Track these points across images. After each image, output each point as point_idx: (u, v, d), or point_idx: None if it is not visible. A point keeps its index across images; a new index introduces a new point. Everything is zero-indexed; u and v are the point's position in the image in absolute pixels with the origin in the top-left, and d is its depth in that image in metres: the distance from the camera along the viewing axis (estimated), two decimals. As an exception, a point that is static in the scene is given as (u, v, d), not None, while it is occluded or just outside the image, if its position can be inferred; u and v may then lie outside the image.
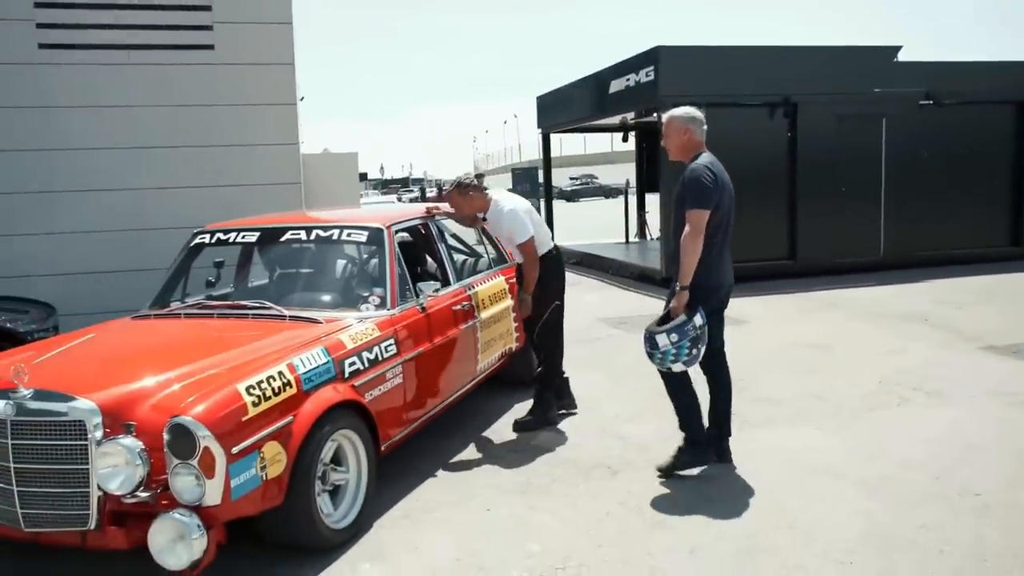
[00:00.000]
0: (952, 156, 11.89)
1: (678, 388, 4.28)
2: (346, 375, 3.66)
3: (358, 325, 3.96)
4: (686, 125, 4.30)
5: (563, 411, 5.43)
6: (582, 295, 10.81)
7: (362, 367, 3.78)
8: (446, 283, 4.98)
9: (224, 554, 3.04)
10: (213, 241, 4.69)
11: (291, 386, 3.31)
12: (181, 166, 8.90)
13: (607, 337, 7.97)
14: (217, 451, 2.85)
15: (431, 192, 70.58)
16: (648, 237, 16.76)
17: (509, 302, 5.63)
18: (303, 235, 4.53)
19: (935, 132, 11.76)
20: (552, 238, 5.31)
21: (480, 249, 6.03)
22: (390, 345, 4.05)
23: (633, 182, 17.63)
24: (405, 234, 4.97)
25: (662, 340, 4.03)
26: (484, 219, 5.17)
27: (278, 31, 9.55)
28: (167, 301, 4.63)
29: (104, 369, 3.47)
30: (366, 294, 4.28)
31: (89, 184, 8.38)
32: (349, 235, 4.46)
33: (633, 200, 17.14)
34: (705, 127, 4.36)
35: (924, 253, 11.90)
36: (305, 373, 3.41)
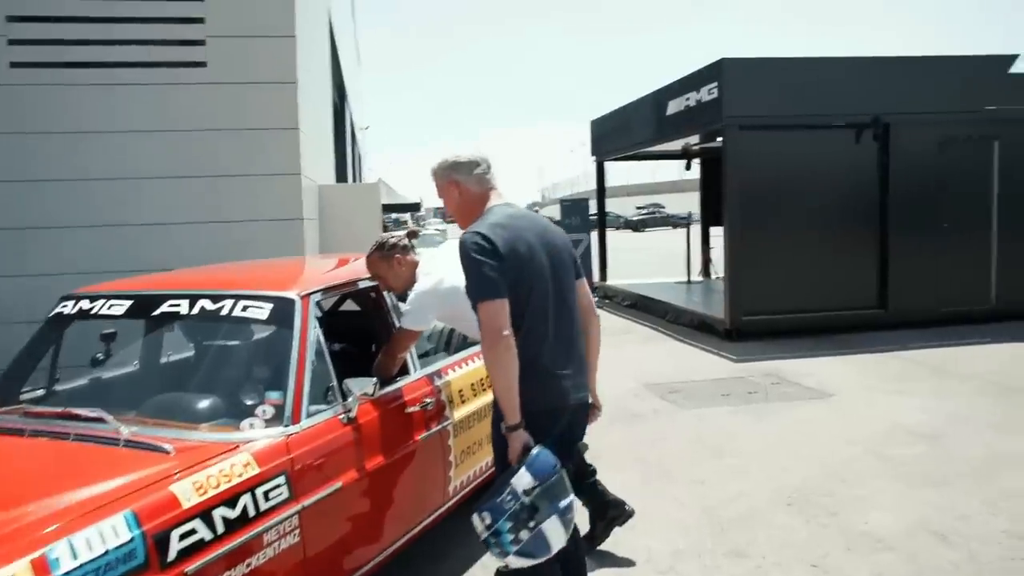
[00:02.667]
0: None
1: None
2: (170, 558, 2.22)
3: (226, 460, 2.53)
4: (449, 177, 2.86)
5: (619, 521, 3.91)
6: (627, 349, 9.22)
7: (210, 537, 2.34)
8: (403, 371, 3.53)
9: None
10: (75, 312, 3.35)
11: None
12: (172, 199, 7.78)
13: (651, 414, 6.37)
14: None
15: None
16: (712, 275, 15.04)
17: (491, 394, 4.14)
18: (183, 307, 3.13)
19: (1058, 157, 9.83)
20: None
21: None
22: (277, 488, 2.61)
23: (697, 214, 15.99)
24: (345, 300, 3.56)
25: (476, 524, 2.51)
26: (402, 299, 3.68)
27: (279, 46, 8.36)
28: (15, 394, 3.30)
29: None
30: (253, 402, 2.85)
31: (66, 220, 7.35)
32: (244, 309, 3.04)
33: (697, 233, 15.44)
34: (483, 169, 2.86)
35: (1045, 301, 9.93)
36: (69, 574, 1.98)
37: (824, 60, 9.96)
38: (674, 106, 10.88)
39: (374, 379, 3.08)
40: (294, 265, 4.49)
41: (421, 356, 3.71)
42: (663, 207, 57.24)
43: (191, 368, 3.21)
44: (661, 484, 4.76)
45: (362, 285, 3.55)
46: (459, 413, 3.73)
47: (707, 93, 9.69)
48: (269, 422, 2.77)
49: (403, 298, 3.53)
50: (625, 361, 8.19)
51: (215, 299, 3.11)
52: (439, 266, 3.45)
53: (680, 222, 51.49)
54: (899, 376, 7.35)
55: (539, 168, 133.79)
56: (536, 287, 2.67)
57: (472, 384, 3.92)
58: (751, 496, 4.49)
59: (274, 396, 2.84)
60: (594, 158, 15.45)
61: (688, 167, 14.97)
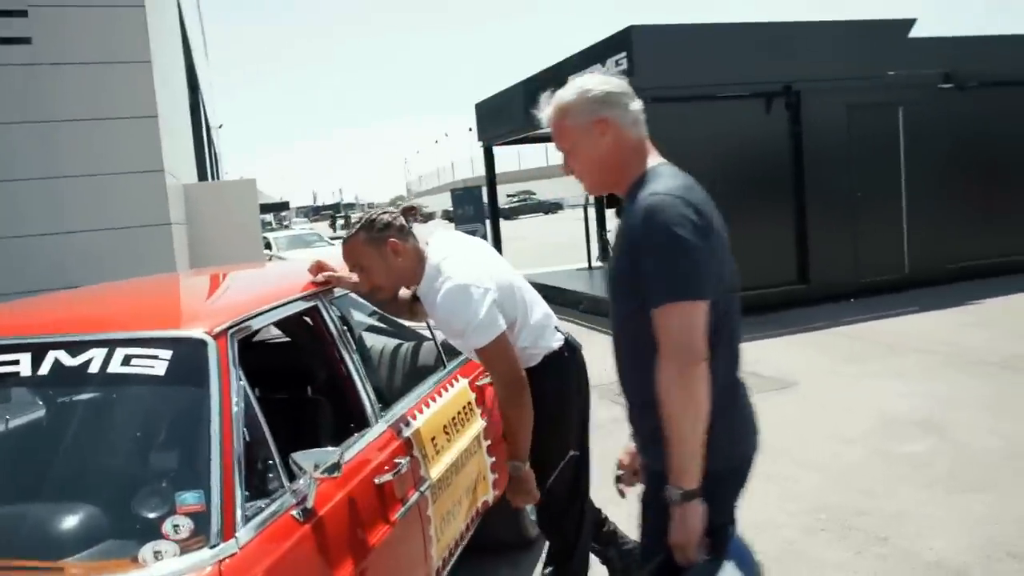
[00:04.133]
0: (981, 149, 9.92)
1: None
2: None
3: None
4: (597, 113, 1.93)
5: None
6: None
7: None
8: (360, 424, 2.53)
9: None
10: None
11: None
12: (9, 208, 6.37)
13: (609, 424, 5.56)
14: None
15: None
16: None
17: (478, 425, 3.21)
18: (22, 365, 2.00)
19: (959, 121, 9.76)
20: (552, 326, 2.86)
21: (418, 329, 3.57)
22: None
23: (568, 199, 15.45)
24: (274, 332, 2.53)
25: None
26: (415, 297, 2.75)
27: (127, 17, 7.02)
28: None
29: None
30: (159, 513, 1.79)
31: None
32: (126, 363, 1.96)
33: (593, 217, 14.83)
34: (640, 107, 2.01)
35: (954, 266, 9.89)
36: None
37: (736, 26, 9.49)
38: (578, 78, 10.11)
39: (335, 449, 2.07)
40: (188, 285, 3.22)
41: (381, 401, 2.70)
42: (534, 193, 57.12)
43: (44, 461, 2.07)
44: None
45: (296, 307, 2.49)
46: (436, 470, 2.76)
47: (614, 64, 8.99)
48: (186, 543, 1.73)
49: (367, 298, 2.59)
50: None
51: (76, 348, 2.00)
52: (454, 254, 2.56)
53: (552, 208, 51.98)
54: (853, 356, 6.89)
55: (403, 160, 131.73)
56: (723, 286, 1.81)
57: (444, 425, 2.96)
58: (772, 522, 3.75)
59: (190, 500, 1.79)
60: (480, 143, 14.55)
61: (579, 149, 14.33)
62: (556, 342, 2.76)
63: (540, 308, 2.80)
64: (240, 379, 2.03)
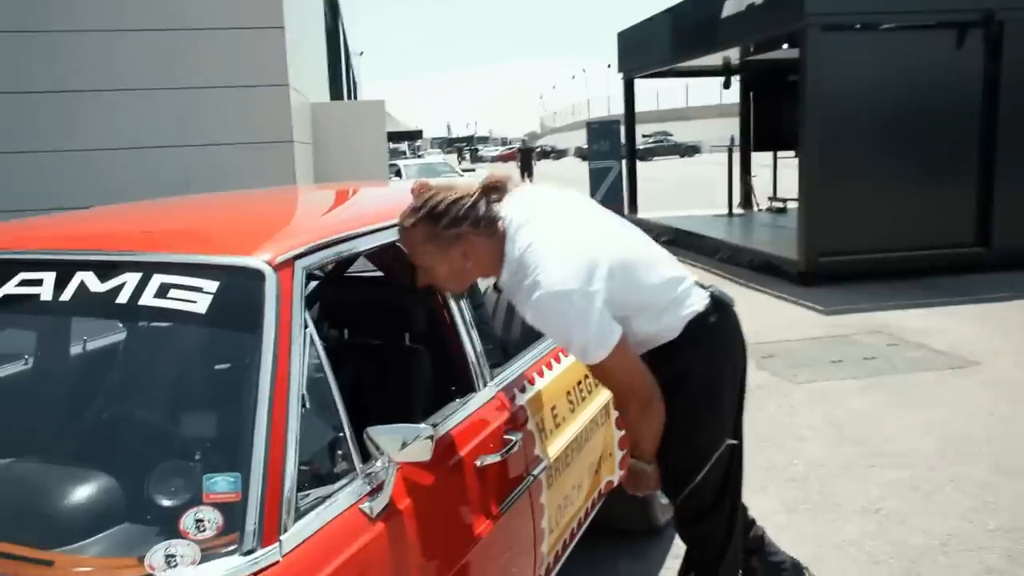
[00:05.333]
0: None
1: None
2: None
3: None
4: None
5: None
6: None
7: None
8: (464, 386, 2.01)
9: None
10: None
11: None
12: (133, 117, 6.21)
13: (756, 390, 4.88)
14: None
15: (493, 151, 67.11)
16: (755, 207, 13.45)
17: (606, 394, 2.65)
18: (44, 287, 1.58)
19: None
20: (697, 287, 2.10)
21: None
22: None
23: (707, 143, 14.32)
24: (359, 270, 2.03)
25: None
26: (498, 288, 2.11)
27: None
28: None
29: None
30: (179, 500, 1.34)
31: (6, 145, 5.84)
32: (163, 294, 1.49)
33: (737, 162, 13.74)
34: None
35: None
36: None
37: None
38: (732, 6, 9.11)
39: (423, 427, 1.55)
40: (269, 201, 2.64)
41: (492, 359, 2.16)
42: (671, 135, 55.09)
43: (48, 414, 1.64)
44: (827, 517, 3.29)
45: (391, 236, 1.96)
46: (554, 447, 2.22)
47: (782, -16, 7.95)
48: (212, 544, 1.27)
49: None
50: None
51: (107, 270, 1.56)
52: (542, 235, 1.85)
53: (688, 150, 49.99)
54: None
55: (539, 95, 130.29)
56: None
57: (568, 392, 2.41)
58: (966, 541, 3.04)
59: (222, 486, 1.32)
60: (621, 75, 13.64)
61: (727, 85, 13.23)
62: (699, 303, 2.04)
63: (664, 271, 2.04)
64: (307, 325, 1.53)
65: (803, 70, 7.88)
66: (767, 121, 12.50)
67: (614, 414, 2.68)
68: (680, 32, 11.18)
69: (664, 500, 3.06)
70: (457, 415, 1.88)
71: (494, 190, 1.89)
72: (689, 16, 10.74)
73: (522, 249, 1.83)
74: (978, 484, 3.50)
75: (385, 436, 1.50)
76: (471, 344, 2.06)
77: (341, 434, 1.54)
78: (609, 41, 13.69)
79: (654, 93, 68.45)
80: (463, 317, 2.08)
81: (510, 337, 2.57)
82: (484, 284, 2.79)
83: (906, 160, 8.07)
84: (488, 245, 1.85)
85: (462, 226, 1.80)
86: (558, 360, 2.42)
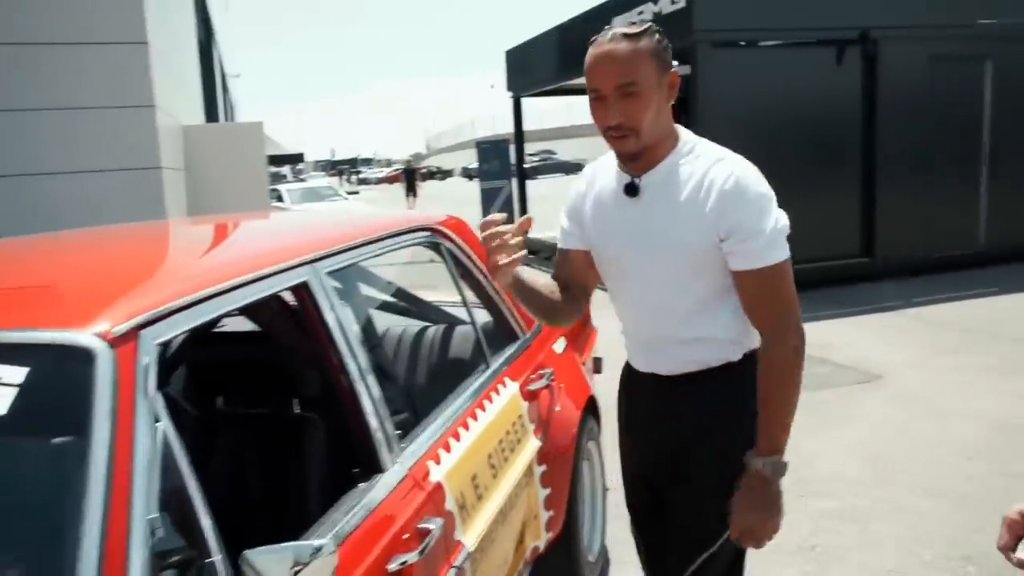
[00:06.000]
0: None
1: None
2: None
3: None
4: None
5: None
6: (594, 316, 7.51)
7: None
8: (369, 466, 1.65)
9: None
10: None
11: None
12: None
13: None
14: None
15: (377, 172, 66.26)
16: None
17: (532, 447, 2.33)
18: None
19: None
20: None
21: (450, 307, 2.67)
22: None
23: (589, 160, 14.45)
24: (244, 325, 1.66)
25: None
26: (635, 183, 1.67)
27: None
28: None
29: None
30: None
31: None
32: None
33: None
34: None
35: (1035, 242, 8.88)
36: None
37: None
38: (621, 23, 9.05)
39: (324, 541, 1.19)
40: (120, 243, 2.08)
41: (400, 425, 1.80)
42: (555, 153, 55.75)
43: None
44: (767, 559, 3.07)
45: (272, 285, 1.58)
46: (478, 525, 1.88)
47: (669, 2, 7.94)
48: None
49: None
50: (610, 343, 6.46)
51: None
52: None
53: (573, 168, 50.69)
54: (941, 345, 5.95)
55: (423, 116, 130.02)
56: None
57: (490, 455, 2.07)
58: None
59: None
60: (510, 93, 13.51)
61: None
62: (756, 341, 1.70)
63: None
64: (159, 419, 1.14)
65: (693, 86, 7.87)
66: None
67: (538, 470, 2.37)
68: (569, 50, 11.11)
69: (591, 557, 2.78)
70: (361, 507, 1.52)
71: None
72: (578, 34, 10.67)
73: (701, 142, 1.69)
74: (905, 509, 3.38)
75: (270, 559, 1.13)
76: (375, 410, 1.70)
77: (209, 560, 1.16)
78: (492, 61, 13.56)
79: (538, 112, 69.43)
80: (363, 377, 1.71)
81: (420, 393, 2.22)
82: (387, 328, 2.45)
83: (794, 173, 8.14)
84: (667, 105, 1.64)
85: (668, 54, 1.62)
86: (475, 417, 2.08)
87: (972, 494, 3.49)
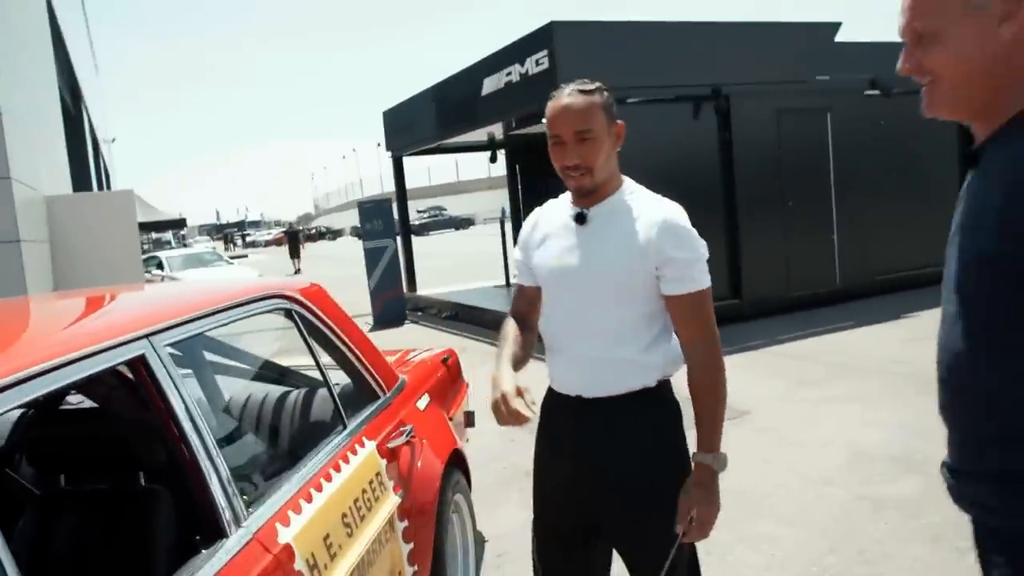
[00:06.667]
0: (905, 157, 9.66)
1: None
2: None
3: None
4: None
5: None
6: (473, 374, 7.58)
7: None
8: (211, 533, 1.66)
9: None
10: None
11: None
12: None
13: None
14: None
15: (266, 234, 64.90)
16: (531, 276, 13.82)
17: (391, 502, 2.38)
18: None
19: (885, 128, 9.48)
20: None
21: (312, 371, 2.70)
22: None
23: (481, 216, 14.77)
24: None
25: None
26: (584, 213, 1.97)
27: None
28: None
29: None
30: None
31: None
32: None
33: (510, 233, 14.10)
34: None
35: (883, 277, 9.62)
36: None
37: (662, 25, 8.90)
38: (491, 84, 9.41)
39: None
40: None
41: (247, 491, 1.83)
42: (445, 209, 56.25)
43: None
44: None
45: (105, 361, 1.60)
46: (330, 586, 1.91)
47: (535, 64, 8.30)
48: None
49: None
50: (475, 390, 6.56)
51: None
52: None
53: (463, 223, 51.22)
54: (805, 379, 6.33)
55: (311, 176, 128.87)
56: None
57: (344, 515, 2.11)
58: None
59: None
60: (390, 153, 13.67)
61: (494, 159, 13.65)
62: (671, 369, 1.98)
63: None
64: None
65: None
66: (533, 192, 12.98)
67: (400, 526, 2.42)
68: (443, 110, 11.40)
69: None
70: (200, 575, 1.54)
71: None
72: (451, 94, 10.98)
73: (652, 193, 1.98)
74: (763, 538, 3.57)
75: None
76: (218, 478, 1.73)
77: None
78: (378, 121, 13.72)
79: (426, 169, 69.95)
80: (205, 445, 1.74)
81: (273, 457, 2.24)
82: (237, 395, 2.46)
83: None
84: (615, 151, 1.94)
85: (616, 122, 1.92)
86: (329, 479, 2.12)
87: (827, 519, 3.72)
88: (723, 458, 1.87)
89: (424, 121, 12.02)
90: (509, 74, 8.87)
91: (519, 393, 1.72)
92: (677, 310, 1.88)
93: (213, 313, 2.02)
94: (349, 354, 2.62)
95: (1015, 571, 1.14)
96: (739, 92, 8.66)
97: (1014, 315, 1.10)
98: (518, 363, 1.94)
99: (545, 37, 8.12)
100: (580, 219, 1.94)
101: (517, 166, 13.72)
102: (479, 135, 11.77)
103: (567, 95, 1.89)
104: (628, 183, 1.99)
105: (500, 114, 9.70)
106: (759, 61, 8.79)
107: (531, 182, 13.06)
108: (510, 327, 2.05)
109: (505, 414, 1.71)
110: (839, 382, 6.13)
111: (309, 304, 2.49)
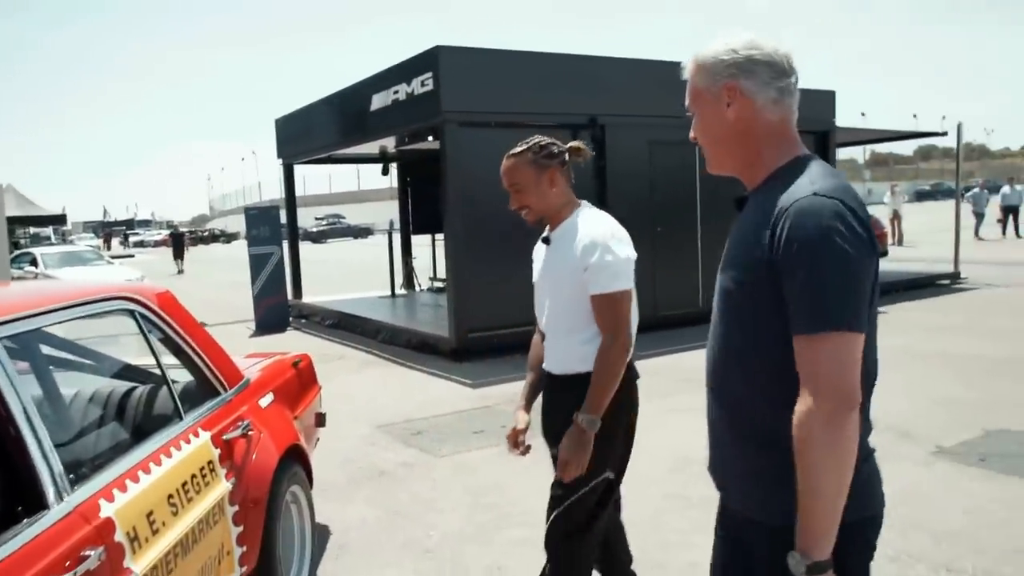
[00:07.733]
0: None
1: None
2: None
3: None
4: (729, 78, 1.59)
5: None
6: (346, 380, 7.82)
7: None
8: (33, 506, 1.88)
9: None
10: None
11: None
12: None
13: (400, 468, 5.09)
14: None
15: (156, 235, 62.62)
16: (417, 287, 14.12)
17: (222, 488, 2.62)
18: None
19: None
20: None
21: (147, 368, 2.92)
22: None
23: (378, 224, 15.01)
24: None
25: None
26: (548, 237, 2.66)
27: None
28: None
29: None
30: None
31: None
32: None
33: (398, 243, 14.36)
34: (791, 83, 1.60)
35: (742, 301, 10.34)
36: None
37: (545, 56, 9.34)
38: (379, 100, 9.67)
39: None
40: None
41: (73, 467, 2.05)
42: (343, 217, 55.85)
43: None
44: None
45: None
46: (151, 555, 2.14)
47: (420, 85, 8.62)
48: None
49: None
50: (347, 396, 6.78)
51: None
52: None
53: (361, 232, 50.93)
54: (654, 391, 6.81)
55: (207, 177, 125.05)
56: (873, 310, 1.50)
57: (170, 495, 2.34)
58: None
59: None
60: (280, 161, 13.70)
61: (385, 172, 13.89)
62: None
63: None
64: None
65: (443, 160, 8.55)
66: (423, 205, 13.29)
67: (230, 510, 2.66)
68: (335, 122, 11.56)
69: None
70: (19, 538, 1.76)
71: (577, 151, 2.62)
72: (342, 107, 11.16)
73: (595, 212, 2.59)
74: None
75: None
76: (41, 455, 1.94)
77: None
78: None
79: (327, 176, 69.12)
80: (32, 428, 1.95)
81: (103, 443, 2.45)
82: (74, 386, 2.65)
83: (535, 240, 9.05)
84: (564, 184, 2.57)
85: (554, 161, 2.54)
86: (158, 463, 2.35)
87: (655, 518, 4.14)
88: (595, 422, 2.39)
89: (316, 131, 12.14)
90: (396, 92, 9.14)
91: (517, 433, 2.60)
92: (593, 307, 2.44)
93: (52, 311, 2.23)
94: (192, 354, 2.85)
95: (771, 553, 1.48)
96: (614, 123, 9.21)
97: (754, 334, 1.54)
98: (535, 389, 2.70)
99: (431, 60, 8.45)
100: (546, 241, 2.64)
101: (408, 178, 13.99)
102: (372, 147, 11.99)
103: (505, 159, 2.58)
104: (583, 207, 2.61)
105: (388, 129, 9.96)
106: (632, 94, 9.37)
107: (421, 194, 13.36)
108: (534, 350, 2.74)
109: (510, 446, 2.65)
110: (685, 395, 6.66)
111: (153, 307, 2.70)
